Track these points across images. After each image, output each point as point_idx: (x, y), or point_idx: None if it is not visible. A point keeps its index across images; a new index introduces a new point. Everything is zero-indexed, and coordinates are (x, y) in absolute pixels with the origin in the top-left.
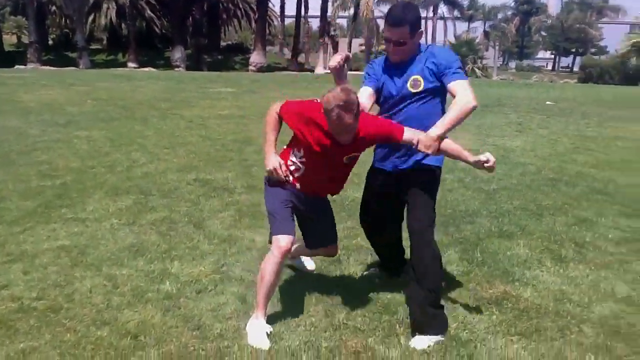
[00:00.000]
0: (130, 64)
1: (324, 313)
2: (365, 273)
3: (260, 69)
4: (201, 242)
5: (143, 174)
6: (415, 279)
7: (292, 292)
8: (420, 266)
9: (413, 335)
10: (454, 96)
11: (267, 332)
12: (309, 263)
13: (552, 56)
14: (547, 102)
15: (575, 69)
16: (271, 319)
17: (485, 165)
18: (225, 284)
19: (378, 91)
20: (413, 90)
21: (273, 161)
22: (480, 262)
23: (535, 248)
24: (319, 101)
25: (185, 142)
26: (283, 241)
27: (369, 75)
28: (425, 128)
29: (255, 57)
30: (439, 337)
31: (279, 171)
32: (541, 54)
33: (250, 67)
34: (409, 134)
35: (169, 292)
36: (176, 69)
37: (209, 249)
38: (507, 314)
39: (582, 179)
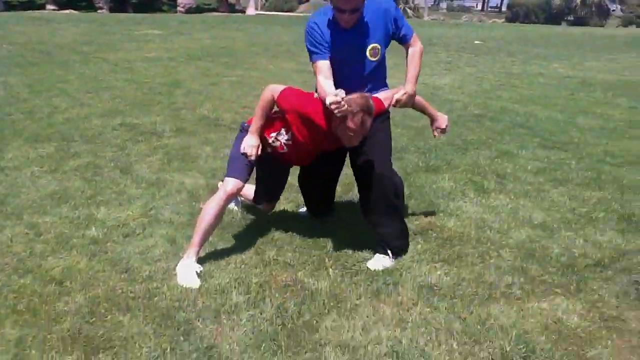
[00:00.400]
0: (49, 6)
1: (254, 250)
2: (295, 210)
3: (189, 10)
4: (128, 187)
5: (65, 120)
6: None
7: (223, 232)
8: (385, 227)
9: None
10: (407, 48)
11: (197, 272)
12: (236, 202)
13: None
14: (476, 42)
15: (504, 9)
16: (201, 259)
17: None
18: (154, 226)
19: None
20: (373, 59)
21: (253, 143)
22: (407, 195)
23: (460, 181)
24: (317, 96)
25: (109, 87)
26: (230, 185)
27: (319, 44)
28: (387, 85)
29: None
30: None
31: (252, 153)
32: None
33: (179, 9)
34: (387, 101)
35: (95, 237)
36: (99, 11)
37: (137, 193)
38: (431, 243)
39: (506, 114)
